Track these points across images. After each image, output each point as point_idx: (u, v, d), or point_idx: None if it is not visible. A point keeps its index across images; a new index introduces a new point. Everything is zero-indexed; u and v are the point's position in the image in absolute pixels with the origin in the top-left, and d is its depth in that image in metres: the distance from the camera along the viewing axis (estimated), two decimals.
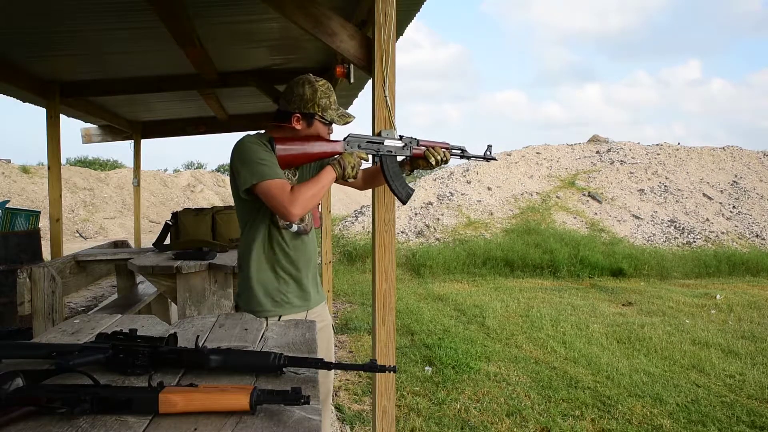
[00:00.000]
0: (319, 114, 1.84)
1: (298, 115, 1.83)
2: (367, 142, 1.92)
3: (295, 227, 1.86)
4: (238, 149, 1.77)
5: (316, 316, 1.96)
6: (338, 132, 1.95)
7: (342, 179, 1.84)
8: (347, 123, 1.91)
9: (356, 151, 1.87)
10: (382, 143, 1.94)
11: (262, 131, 1.89)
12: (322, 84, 1.85)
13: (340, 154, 1.85)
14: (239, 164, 1.74)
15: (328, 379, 2.06)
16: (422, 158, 2.00)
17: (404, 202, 1.99)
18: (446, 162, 2.03)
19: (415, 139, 1.99)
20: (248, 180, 1.72)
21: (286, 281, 1.87)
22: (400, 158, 2.00)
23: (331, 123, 1.89)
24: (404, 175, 2.01)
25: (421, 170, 2.10)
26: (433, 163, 1.99)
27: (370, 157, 1.92)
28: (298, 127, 1.84)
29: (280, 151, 1.77)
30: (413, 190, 2.05)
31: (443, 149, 2.01)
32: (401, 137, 1.98)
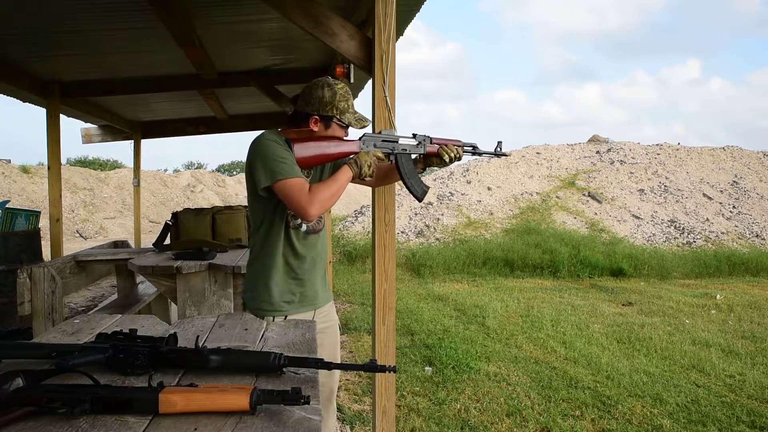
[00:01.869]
0: (338, 117, 1.85)
1: (316, 117, 1.84)
2: (382, 141, 1.94)
3: (305, 226, 1.86)
4: (258, 146, 1.76)
5: (323, 315, 1.96)
6: (352, 133, 1.96)
7: (359, 178, 1.85)
8: (364, 127, 1.92)
9: (372, 150, 1.88)
10: (397, 141, 1.95)
11: (279, 129, 1.88)
12: (341, 87, 1.86)
13: (356, 153, 1.86)
14: (259, 161, 1.74)
15: (332, 379, 2.04)
16: (436, 156, 2.01)
17: (420, 200, 2.01)
18: (459, 159, 2.04)
19: (429, 137, 2.01)
20: (268, 178, 1.71)
21: (295, 280, 1.87)
22: (413, 156, 2.01)
23: (348, 126, 1.89)
24: (418, 172, 2.03)
25: (434, 167, 2.10)
26: (447, 160, 2.01)
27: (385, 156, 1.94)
28: (316, 129, 1.85)
29: (299, 151, 1.77)
30: (428, 188, 2.07)
31: (456, 146, 2.03)
32: (415, 135, 2.00)
